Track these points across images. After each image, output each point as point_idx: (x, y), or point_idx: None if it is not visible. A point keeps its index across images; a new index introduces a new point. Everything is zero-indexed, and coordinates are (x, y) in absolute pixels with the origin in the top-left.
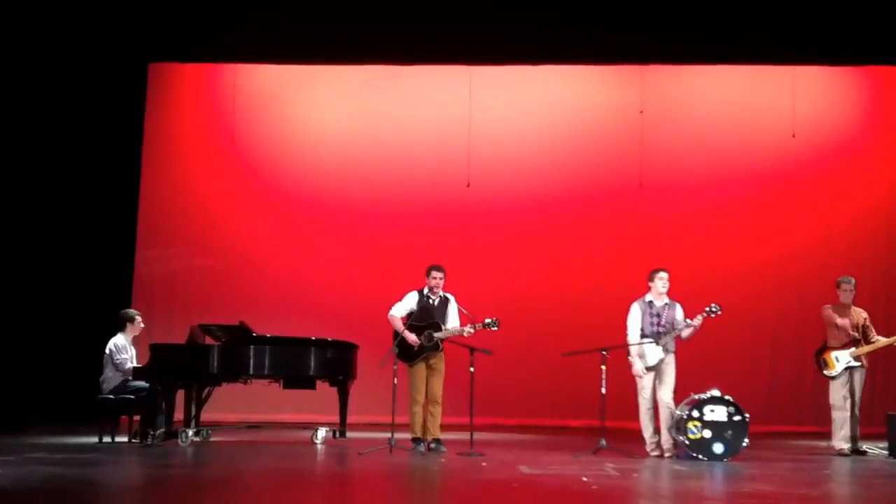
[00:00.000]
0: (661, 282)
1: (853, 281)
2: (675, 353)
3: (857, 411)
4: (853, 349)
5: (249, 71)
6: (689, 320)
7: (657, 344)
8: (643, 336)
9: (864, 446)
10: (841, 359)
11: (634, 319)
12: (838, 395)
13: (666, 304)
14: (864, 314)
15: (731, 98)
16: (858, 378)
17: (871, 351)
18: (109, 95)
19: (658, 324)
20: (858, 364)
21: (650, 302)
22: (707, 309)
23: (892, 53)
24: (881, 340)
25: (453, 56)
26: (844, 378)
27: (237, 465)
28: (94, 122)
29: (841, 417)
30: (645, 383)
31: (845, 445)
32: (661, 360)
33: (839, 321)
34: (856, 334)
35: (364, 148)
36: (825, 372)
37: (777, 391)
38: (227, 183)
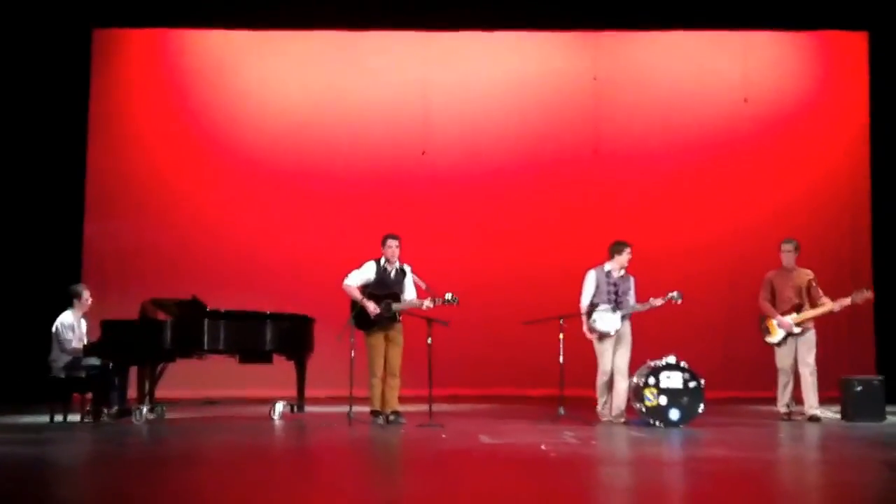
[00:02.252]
0: (627, 256)
1: (793, 242)
2: (631, 320)
3: (809, 375)
4: (794, 315)
5: (199, 37)
6: (653, 299)
7: (614, 312)
8: (597, 304)
9: (818, 411)
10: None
11: (589, 287)
12: (785, 361)
13: (622, 275)
14: (810, 275)
15: (684, 64)
16: (803, 345)
17: (815, 316)
18: (53, 63)
19: (615, 293)
20: (798, 331)
21: (608, 272)
22: (671, 294)
23: (842, 18)
24: (823, 306)
25: (408, 23)
26: (792, 344)
27: (194, 441)
28: (37, 91)
29: (784, 383)
30: (604, 350)
31: (787, 410)
32: (618, 330)
33: (772, 317)
34: (796, 300)
35: (318, 116)
36: (767, 339)
37: (732, 357)
38: (178, 153)
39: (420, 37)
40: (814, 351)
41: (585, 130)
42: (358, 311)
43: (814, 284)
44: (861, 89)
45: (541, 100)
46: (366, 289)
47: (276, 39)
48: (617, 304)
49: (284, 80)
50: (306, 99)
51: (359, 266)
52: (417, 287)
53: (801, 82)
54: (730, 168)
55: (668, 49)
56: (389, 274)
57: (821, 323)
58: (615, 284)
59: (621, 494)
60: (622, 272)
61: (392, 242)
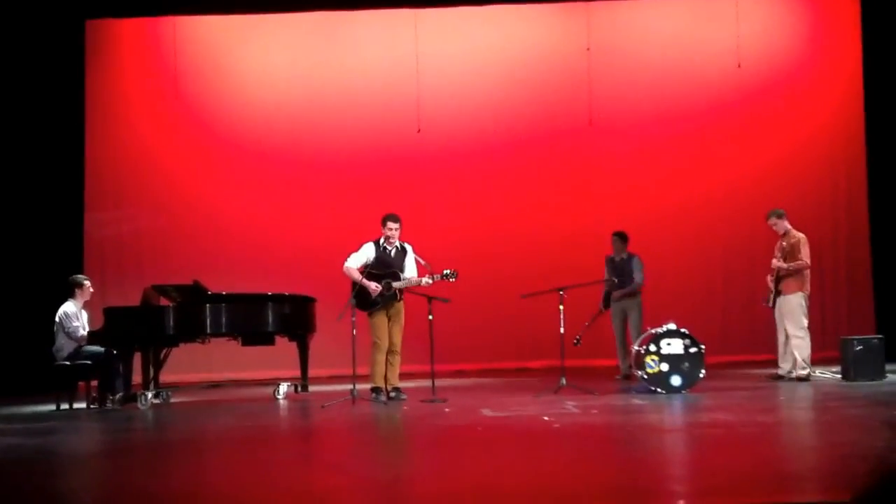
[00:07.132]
0: (615, 244)
1: (772, 215)
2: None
3: (791, 338)
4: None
5: (189, 23)
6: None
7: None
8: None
9: (805, 371)
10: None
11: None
12: (778, 324)
13: (623, 258)
14: (800, 237)
15: (676, 31)
16: (783, 309)
17: (783, 274)
18: (47, 55)
19: (619, 275)
20: (776, 290)
21: (612, 258)
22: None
23: None
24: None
25: None
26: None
27: (200, 424)
28: (33, 83)
29: (780, 343)
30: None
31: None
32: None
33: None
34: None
35: (312, 97)
36: (765, 304)
37: (731, 322)
38: (174, 139)
39: (409, 13)
40: (796, 314)
41: (580, 101)
42: (358, 292)
43: (800, 244)
44: (854, 50)
45: (534, 72)
46: (367, 269)
47: (268, 22)
48: (620, 284)
49: (277, 63)
50: (300, 81)
51: (357, 249)
52: (417, 264)
53: (794, 45)
54: (725, 134)
55: (661, 17)
56: (389, 253)
57: (818, 283)
58: (616, 267)
59: (626, 462)
60: (623, 255)
61: (392, 224)
